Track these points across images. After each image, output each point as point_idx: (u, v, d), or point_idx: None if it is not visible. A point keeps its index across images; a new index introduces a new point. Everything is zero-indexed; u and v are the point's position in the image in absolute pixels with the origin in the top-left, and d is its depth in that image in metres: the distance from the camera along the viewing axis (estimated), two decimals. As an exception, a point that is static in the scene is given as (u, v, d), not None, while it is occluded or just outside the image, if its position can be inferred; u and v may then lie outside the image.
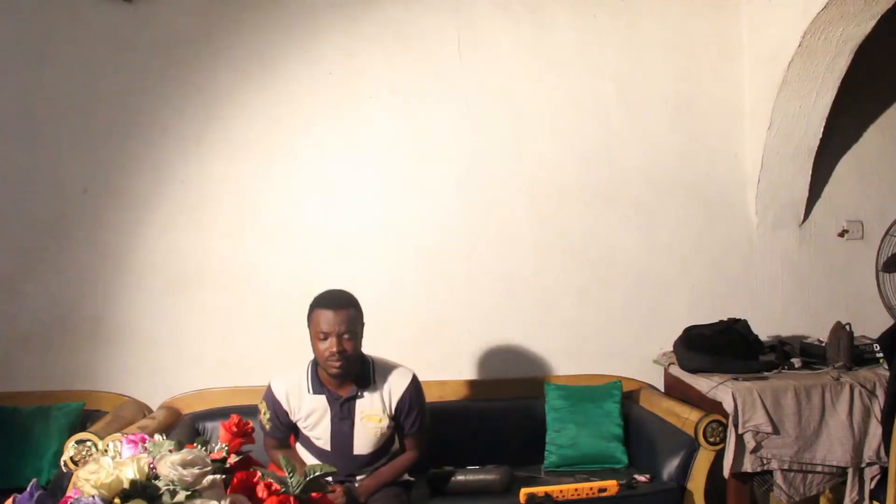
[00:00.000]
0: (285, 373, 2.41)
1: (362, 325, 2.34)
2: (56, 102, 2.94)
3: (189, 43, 3.02)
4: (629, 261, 3.31)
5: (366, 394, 2.35)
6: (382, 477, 2.40)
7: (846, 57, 2.96)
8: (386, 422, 2.36)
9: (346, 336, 2.25)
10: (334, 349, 2.23)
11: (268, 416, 2.40)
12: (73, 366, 2.92)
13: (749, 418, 2.66)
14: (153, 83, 3.00)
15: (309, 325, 2.31)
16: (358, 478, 2.40)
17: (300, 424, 2.39)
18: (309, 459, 2.43)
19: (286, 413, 2.37)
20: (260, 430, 2.38)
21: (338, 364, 2.25)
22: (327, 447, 2.37)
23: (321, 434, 2.36)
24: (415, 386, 2.40)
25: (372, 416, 2.35)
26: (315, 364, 2.36)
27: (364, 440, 2.37)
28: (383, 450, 2.44)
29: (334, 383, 2.33)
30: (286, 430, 2.42)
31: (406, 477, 2.52)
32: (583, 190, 3.28)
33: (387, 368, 2.40)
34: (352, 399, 2.34)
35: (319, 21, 3.10)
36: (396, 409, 2.37)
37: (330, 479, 2.34)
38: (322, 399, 2.34)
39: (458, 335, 3.18)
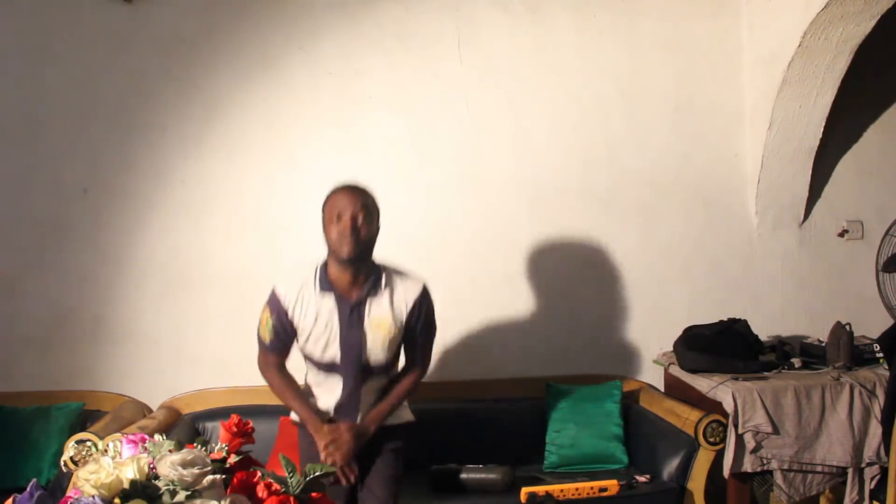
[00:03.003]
0: (291, 277, 2.25)
1: (378, 220, 2.24)
2: (56, 102, 2.94)
3: (189, 43, 3.02)
4: (629, 261, 3.31)
5: (375, 298, 2.20)
6: (393, 399, 2.27)
7: (846, 57, 2.96)
8: (395, 330, 2.21)
9: (361, 216, 2.14)
10: (348, 227, 2.11)
11: (270, 323, 2.23)
12: (73, 366, 2.93)
13: (749, 418, 2.66)
14: (153, 83, 3.00)
15: (323, 214, 2.19)
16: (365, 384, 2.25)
17: (303, 335, 2.22)
18: (313, 376, 2.29)
19: (291, 322, 2.20)
20: (257, 343, 2.29)
21: (350, 244, 2.11)
22: (336, 358, 2.20)
23: (329, 343, 2.20)
24: (425, 297, 2.26)
25: (381, 323, 2.20)
26: (324, 265, 2.21)
27: (375, 349, 2.21)
28: (394, 358, 2.29)
29: (343, 281, 2.18)
30: (288, 340, 2.26)
31: (409, 417, 2.37)
32: (583, 189, 3.28)
33: (398, 276, 2.26)
34: (361, 304, 2.19)
35: (319, 21, 3.10)
36: (407, 320, 2.23)
37: (332, 414, 2.23)
38: (330, 299, 2.18)
39: (458, 335, 3.18)
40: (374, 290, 2.20)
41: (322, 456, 2.14)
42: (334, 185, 2.24)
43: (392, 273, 2.26)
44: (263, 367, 2.33)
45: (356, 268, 2.17)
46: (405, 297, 2.23)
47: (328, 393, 2.26)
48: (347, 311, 2.18)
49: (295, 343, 2.28)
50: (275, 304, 2.21)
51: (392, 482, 2.29)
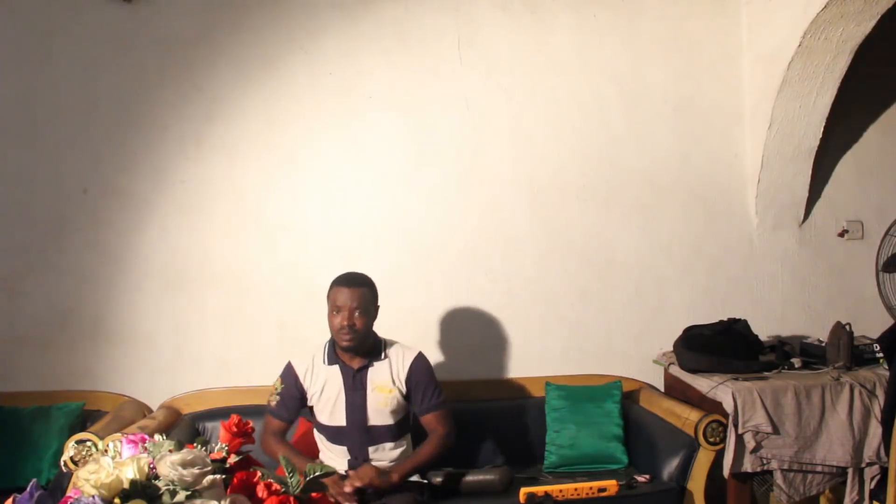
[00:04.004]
0: (304, 351, 2.56)
1: (375, 306, 2.51)
2: (56, 102, 2.94)
3: (189, 43, 3.02)
4: (629, 261, 3.31)
5: (376, 364, 2.48)
6: (418, 458, 2.47)
7: (846, 57, 2.96)
8: (396, 393, 2.47)
9: (357, 312, 2.41)
10: (345, 323, 2.39)
11: (279, 390, 2.52)
12: (73, 366, 2.92)
13: (749, 418, 2.66)
14: (153, 83, 3.00)
15: (328, 302, 2.47)
16: (371, 451, 2.47)
17: (314, 401, 2.49)
18: (323, 444, 2.53)
19: (302, 388, 2.49)
20: (264, 413, 2.53)
21: (347, 337, 2.40)
22: (342, 422, 2.46)
23: (336, 407, 2.46)
24: (422, 360, 2.53)
25: (382, 386, 2.46)
26: (332, 341, 2.50)
27: (377, 412, 2.46)
28: (397, 427, 2.50)
29: (347, 356, 2.47)
30: (294, 408, 2.52)
31: (417, 478, 2.53)
32: (583, 189, 3.28)
33: (396, 346, 2.55)
34: (363, 369, 2.47)
35: (320, 21, 3.10)
36: (406, 382, 2.49)
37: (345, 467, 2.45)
38: (336, 369, 2.48)
39: (458, 335, 3.18)
40: (374, 359, 2.50)
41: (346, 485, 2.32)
42: (336, 277, 2.50)
43: (391, 344, 2.56)
44: (264, 436, 2.51)
45: (355, 352, 2.47)
46: (402, 361, 2.51)
47: (337, 461, 2.48)
48: (351, 377, 2.47)
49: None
50: (288, 373, 2.53)
51: None
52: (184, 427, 2.75)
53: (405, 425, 2.56)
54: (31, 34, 2.92)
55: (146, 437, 1.41)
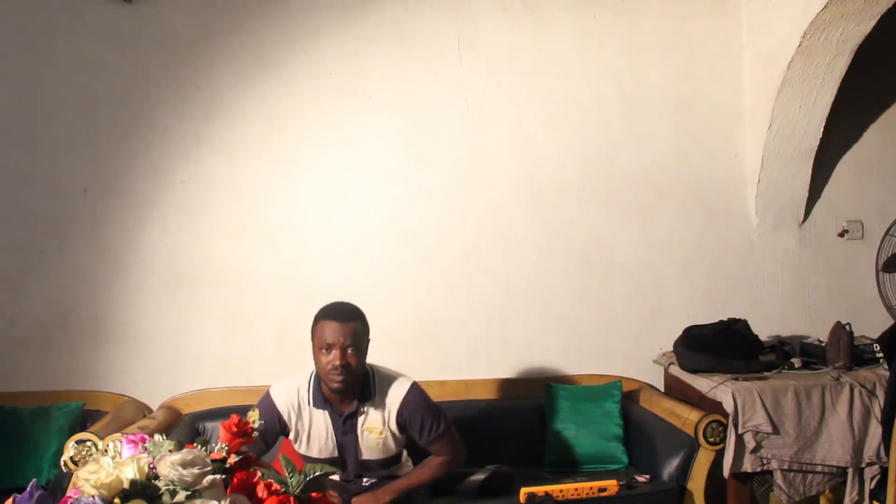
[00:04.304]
0: (285, 382, 2.33)
1: (368, 340, 2.28)
2: (56, 102, 2.94)
3: (189, 43, 3.02)
4: (629, 261, 3.31)
5: (366, 408, 2.30)
6: (412, 479, 2.34)
7: (846, 57, 2.96)
8: (386, 433, 2.32)
9: (350, 350, 2.18)
10: (337, 362, 2.15)
11: (256, 425, 2.32)
12: (73, 366, 2.92)
13: (749, 418, 2.66)
14: (153, 83, 3.00)
15: (312, 338, 2.24)
16: (365, 482, 2.38)
17: (300, 438, 2.32)
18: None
19: (285, 424, 2.29)
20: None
21: (340, 378, 2.17)
22: (334, 453, 2.33)
23: (325, 445, 2.32)
24: (413, 395, 2.31)
25: (372, 428, 2.30)
26: (317, 378, 2.28)
27: (369, 449, 2.34)
28: (391, 459, 2.41)
29: (336, 398, 2.27)
30: (272, 440, 2.34)
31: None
32: (583, 189, 3.28)
33: (386, 380, 2.33)
34: (353, 415, 2.29)
35: (320, 21, 3.10)
36: (398, 424, 2.32)
37: (337, 478, 2.34)
38: (324, 414, 2.29)
39: (458, 335, 3.18)
40: (365, 402, 2.29)
41: None
42: (323, 309, 2.26)
43: (382, 378, 2.33)
44: None
45: (345, 394, 2.25)
46: (392, 402, 2.30)
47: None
48: (341, 423, 2.28)
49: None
50: (269, 409, 2.26)
51: None
52: (184, 427, 2.75)
53: (399, 456, 2.45)
54: (31, 34, 2.92)
55: (146, 437, 1.41)
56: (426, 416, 2.33)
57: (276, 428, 2.29)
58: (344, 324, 2.19)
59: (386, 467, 2.41)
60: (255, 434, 2.20)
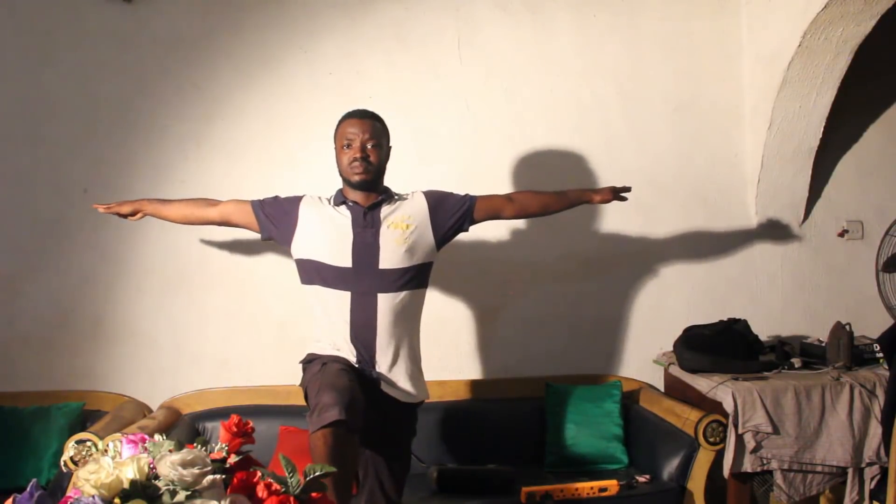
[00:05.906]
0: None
1: (388, 142, 2.36)
2: (56, 102, 2.94)
3: (189, 43, 3.02)
4: (629, 261, 3.31)
5: (389, 205, 2.32)
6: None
7: (846, 57, 2.96)
8: (413, 227, 2.28)
9: (370, 145, 2.26)
10: (358, 154, 2.23)
11: (268, 200, 2.40)
12: (73, 366, 2.93)
13: (749, 418, 2.66)
14: (153, 83, 3.00)
15: (335, 141, 2.32)
16: (380, 299, 2.22)
17: (313, 235, 2.28)
18: (319, 295, 2.28)
19: (296, 217, 2.31)
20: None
21: (360, 169, 2.23)
22: (348, 263, 2.22)
23: (341, 246, 2.23)
24: (431, 190, 2.42)
25: (398, 222, 2.28)
26: (339, 190, 2.35)
27: (390, 253, 2.23)
28: (412, 272, 2.27)
29: (358, 195, 2.29)
30: (267, 222, 2.36)
31: (426, 396, 2.42)
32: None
33: (403, 193, 2.41)
34: (376, 206, 2.29)
35: (320, 21, 3.10)
36: (429, 207, 2.35)
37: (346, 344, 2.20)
38: (343, 209, 2.30)
39: (457, 335, 3.18)
40: (387, 199, 2.32)
41: None
42: (344, 113, 2.36)
43: (399, 192, 2.40)
44: (225, 203, 2.45)
45: (368, 189, 2.29)
46: (416, 196, 2.37)
47: (338, 312, 2.23)
48: (362, 215, 2.27)
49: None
50: (290, 197, 2.37)
51: (402, 483, 2.32)
52: (184, 427, 2.75)
53: (422, 276, 2.32)
54: (31, 34, 2.92)
55: (146, 437, 1.41)
56: (451, 194, 2.43)
57: (287, 209, 2.33)
58: (363, 120, 2.29)
59: (402, 286, 2.25)
60: (262, 199, 2.36)
